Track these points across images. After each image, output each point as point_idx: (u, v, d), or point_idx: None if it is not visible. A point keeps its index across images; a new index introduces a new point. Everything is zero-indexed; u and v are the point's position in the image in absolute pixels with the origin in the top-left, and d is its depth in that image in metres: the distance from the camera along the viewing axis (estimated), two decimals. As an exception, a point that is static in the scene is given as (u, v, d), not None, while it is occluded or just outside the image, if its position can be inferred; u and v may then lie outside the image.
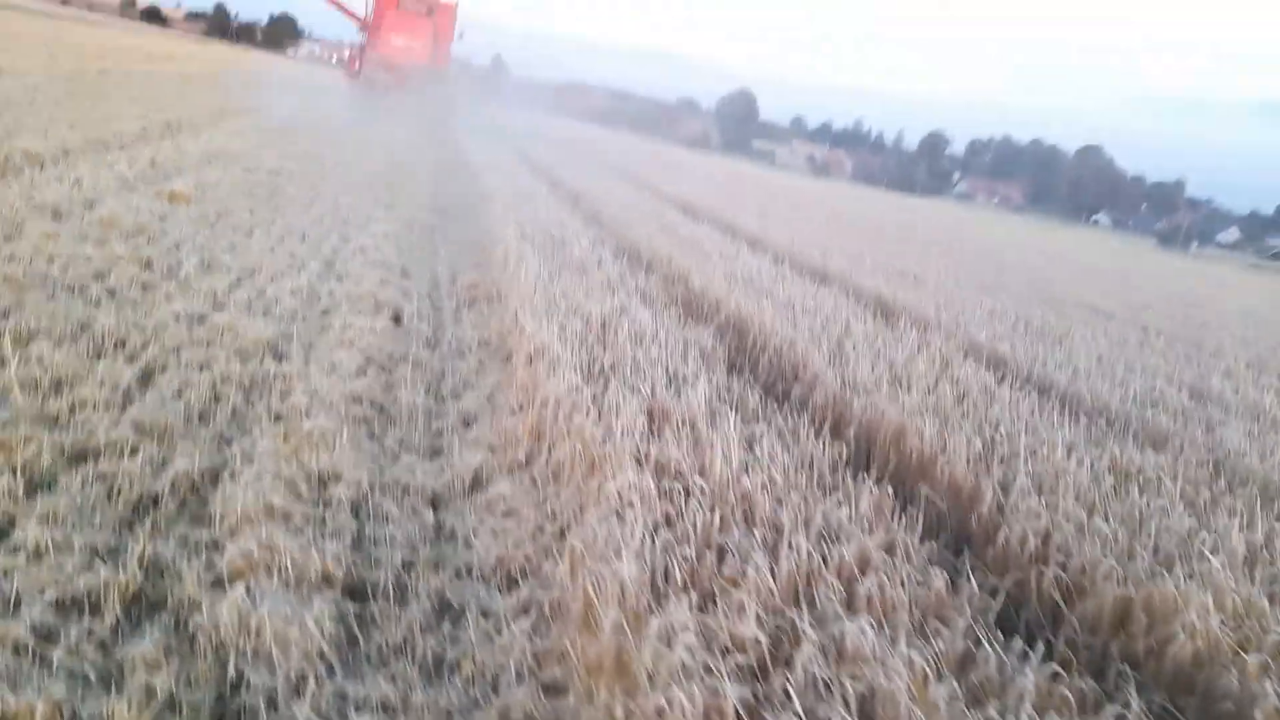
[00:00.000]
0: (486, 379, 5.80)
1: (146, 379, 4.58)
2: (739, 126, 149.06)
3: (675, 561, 3.20)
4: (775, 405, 5.46)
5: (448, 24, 26.63)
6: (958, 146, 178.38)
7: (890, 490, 4.27)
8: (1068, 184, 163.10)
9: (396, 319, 6.43)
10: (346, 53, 30.65)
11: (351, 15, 28.92)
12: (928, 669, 2.74)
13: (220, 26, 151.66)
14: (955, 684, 2.74)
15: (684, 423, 4.49)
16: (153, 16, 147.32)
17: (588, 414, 4.44)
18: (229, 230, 7.55)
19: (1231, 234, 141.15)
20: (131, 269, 6.14)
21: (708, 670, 2.68)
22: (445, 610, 3.49)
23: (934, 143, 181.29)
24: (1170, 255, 65.41)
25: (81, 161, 8.92)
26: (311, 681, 2.88)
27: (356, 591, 3.47)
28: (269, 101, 22.64)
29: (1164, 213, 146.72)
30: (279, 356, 5.22)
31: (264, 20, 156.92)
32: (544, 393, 4.83)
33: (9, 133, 9.10)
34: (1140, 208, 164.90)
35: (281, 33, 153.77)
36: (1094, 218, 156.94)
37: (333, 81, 35.16)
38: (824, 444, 4.70)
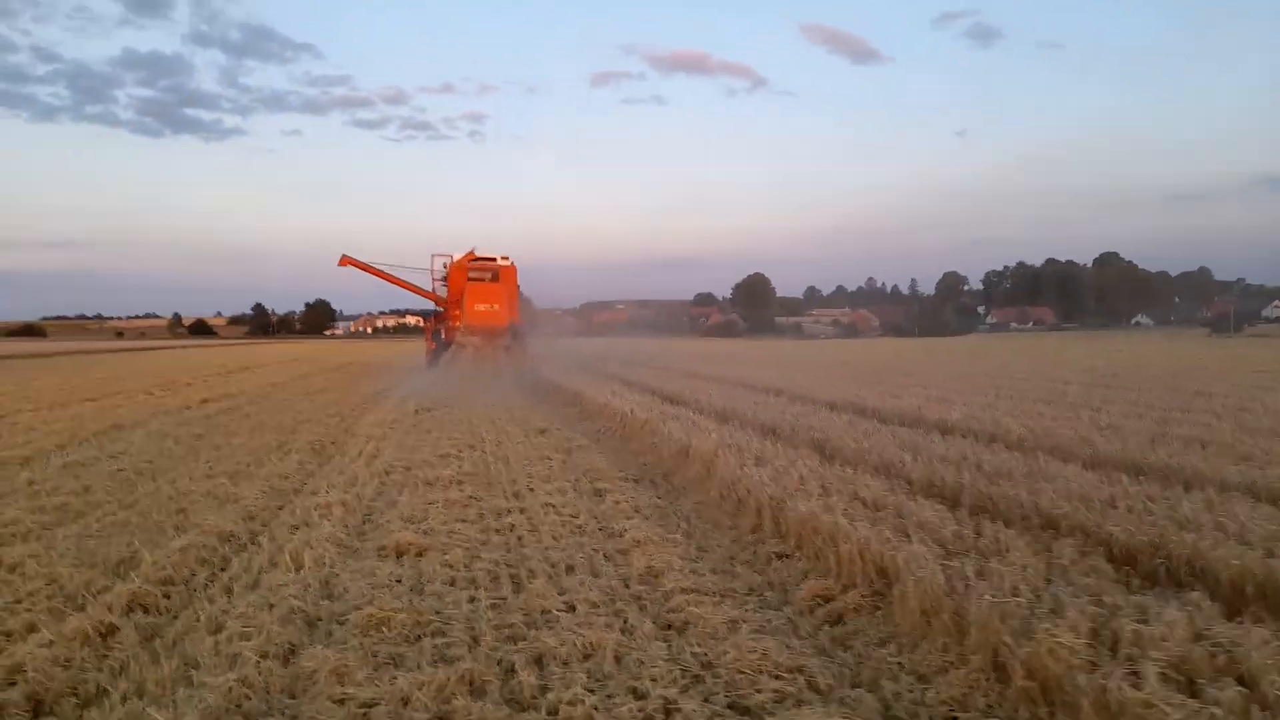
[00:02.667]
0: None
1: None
2: (758, 307, 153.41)
3: None
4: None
5: (512, 283, 28.01)
6: (974, 282, 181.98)
7: None
8: (1095, 294, 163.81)
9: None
10: (432, 328, 31.76)
11: (431, 296, 30.45)
12: None
13: (262, 324, 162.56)
14: None
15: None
16: (201, 330, 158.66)
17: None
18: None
19: (1277, 308, 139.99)
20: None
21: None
22: None
23: (951, 283, 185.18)
24: (1234, 340, 63.84)
25: (276, 526, 7.18)
26: None
27: None
28: (391, 386, 23.30)
29: (1200, 302, 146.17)
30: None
31: (299, 309, 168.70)
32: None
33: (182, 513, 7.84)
34: (1173, 301, 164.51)
35: (319, 317, 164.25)
36: (1134, 320, 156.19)
37: (416, 351, 36.27)
38: None
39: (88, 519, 7.66)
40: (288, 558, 6.14)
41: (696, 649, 4.60)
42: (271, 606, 5.13)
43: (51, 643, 4.66)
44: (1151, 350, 41.78)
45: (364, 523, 7.48)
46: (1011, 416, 11.65)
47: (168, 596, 5.52)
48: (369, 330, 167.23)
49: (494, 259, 29.31)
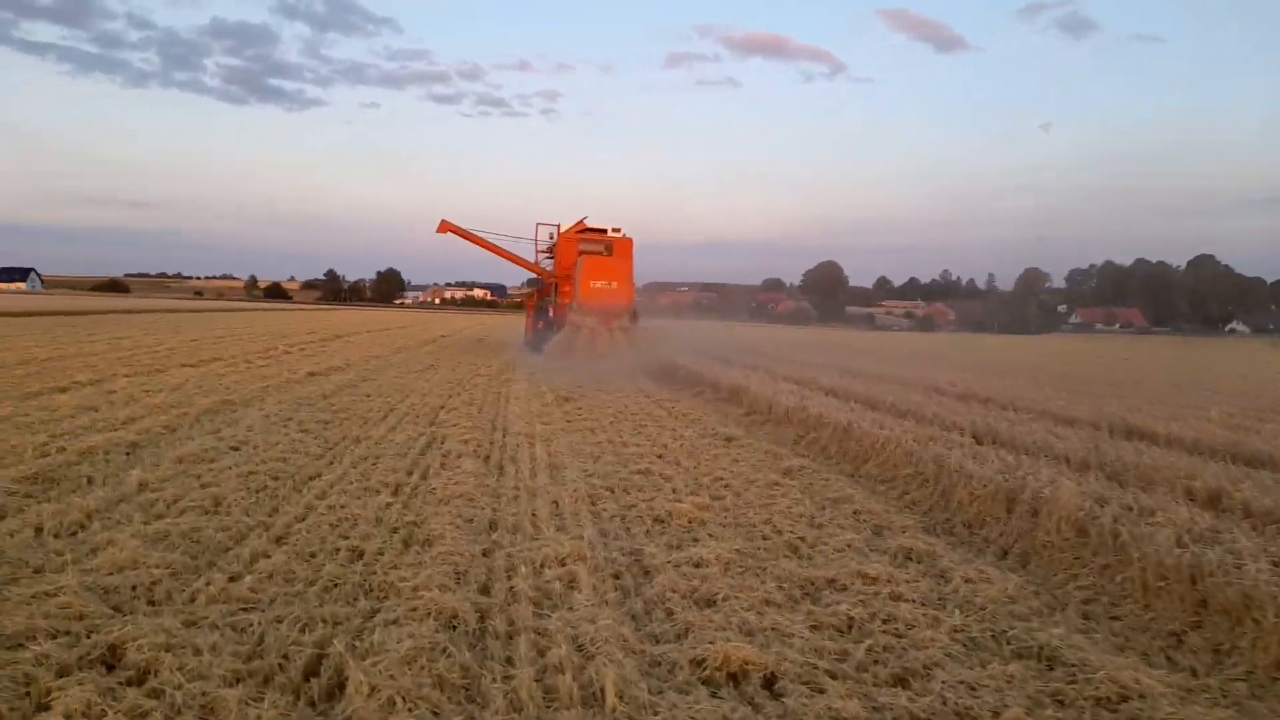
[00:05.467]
0: None
1: None
2: (828, 296, 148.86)
3: None
4: None
5: (628, 258, 25.45)
6: (1057, 280, 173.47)
7: None
8: (1188, 298, 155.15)
9: None
10: (536, 303, 29.56)
11: (534, 268, 28.17)
12: None
13: (334, 290, 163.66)
14: None
15: None
16: (276, 293, 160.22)
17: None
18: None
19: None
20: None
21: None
22: None
23: (1031, 279, 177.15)
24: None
25: (516, 606, 4.86)
26: None
27: None
28: (503, 366, 21.39)
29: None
30: None
31: (369, 276, 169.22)
32: None
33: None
34: (1269, 309, 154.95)
35: (390, 287, 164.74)
36: (1229, 327, 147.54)
37: (499, 325, 34.34)
38: None
39: (230, 564, 5.42)
40: (572, 683, 3.79)
41: None
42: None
43: None
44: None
45: (646, 609, 5.02)
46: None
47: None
48: (437, 301, 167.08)
49: (606, 230, 26.86)
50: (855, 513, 7.37)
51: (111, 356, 19.45)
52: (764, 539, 6.52)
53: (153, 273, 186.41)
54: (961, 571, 5.72)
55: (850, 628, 4.82)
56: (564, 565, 5.49)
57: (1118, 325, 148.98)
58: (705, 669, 4.13)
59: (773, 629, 4.62)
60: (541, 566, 5.50)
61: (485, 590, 5.16)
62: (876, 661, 4.37)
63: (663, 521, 6.88)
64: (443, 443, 10.05)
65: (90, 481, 7.48)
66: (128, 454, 8.79)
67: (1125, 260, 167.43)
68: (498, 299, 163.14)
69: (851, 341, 47.05)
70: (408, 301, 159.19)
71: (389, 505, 6.99)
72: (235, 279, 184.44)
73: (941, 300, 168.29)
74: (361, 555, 5.69)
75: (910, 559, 6.13)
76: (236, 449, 9.14)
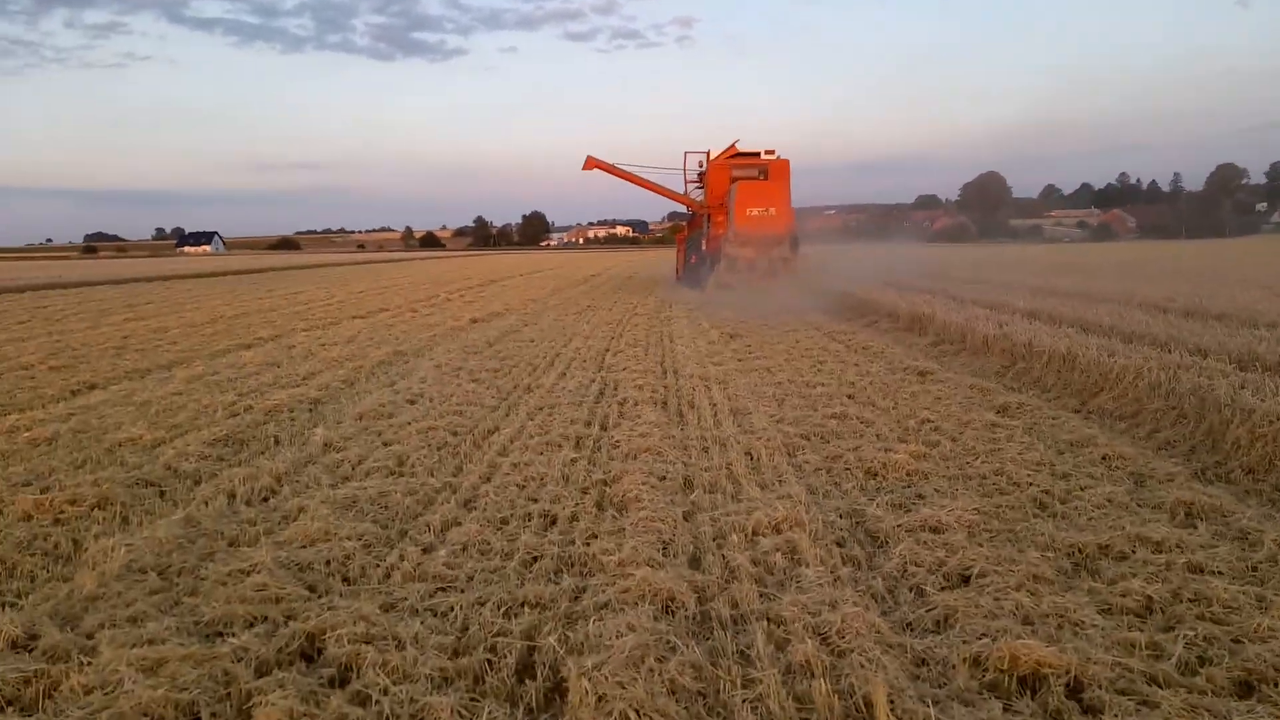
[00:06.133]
0: None
1: None
2: (990, 209, 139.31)
3: None
4: None
5: (785, 181, 24.04)
6: (1256, 176, 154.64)
7: None
8: None
9: None
10: (686, 236, 28.80)
11: (684, 200, 27.34)
12: None
13: (483, 236, 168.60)
14: None
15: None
16: (430, 242, 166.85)
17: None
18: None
19: None
20: None
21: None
22: None
23: (1225, 176, 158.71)
24: None
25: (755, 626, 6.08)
26: None
27: None
28: (659, 303, 21.07)
29: None
30: None
31: (516, 221, 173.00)
32: None
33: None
34: None
35: (535, 229, 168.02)
36: None
37: (645, 261, 33.95)
38: None
39: (421, 533, 5.07)
40: (829, 692, 3.12)
41: None
42: None
43: None
44: None
45: (889, 589, 4.20)
46: None
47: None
48: (580, 241, 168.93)
49: (759, 154, 25.48)
50: (1104, 458, 6.29)
51: (289, 311, 20.28)
52: (1001, 494, 5.61)
53: (319, 230, 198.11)
54: (1273, 534, 4.64)
55: (1150, 611, 3.91)
56: (779, 532, 4.81)
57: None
58: (987, 671, 3.36)
59: (1056, 615, 3.78)
60: (754, 534, 4.84)
61: (696, 563, 4.57)
62: (1204, 660, 3.46)
63: (876, 475, 6.07)
64: (615, 389, 9.57)
65: (277, 442, 7.44)
66: (310, 410, 8.79)
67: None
68: (640, 235, 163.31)
69: (1026, 256, 43.61)
70: (552, 243, 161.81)
71: (574, 461, 6.53)
72: (393, 230, 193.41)
73: (1120, 206, 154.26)
74: (555, 521, 5.22)
75: (1194, 516, 5.07)
76: (413, 402, 8.99)
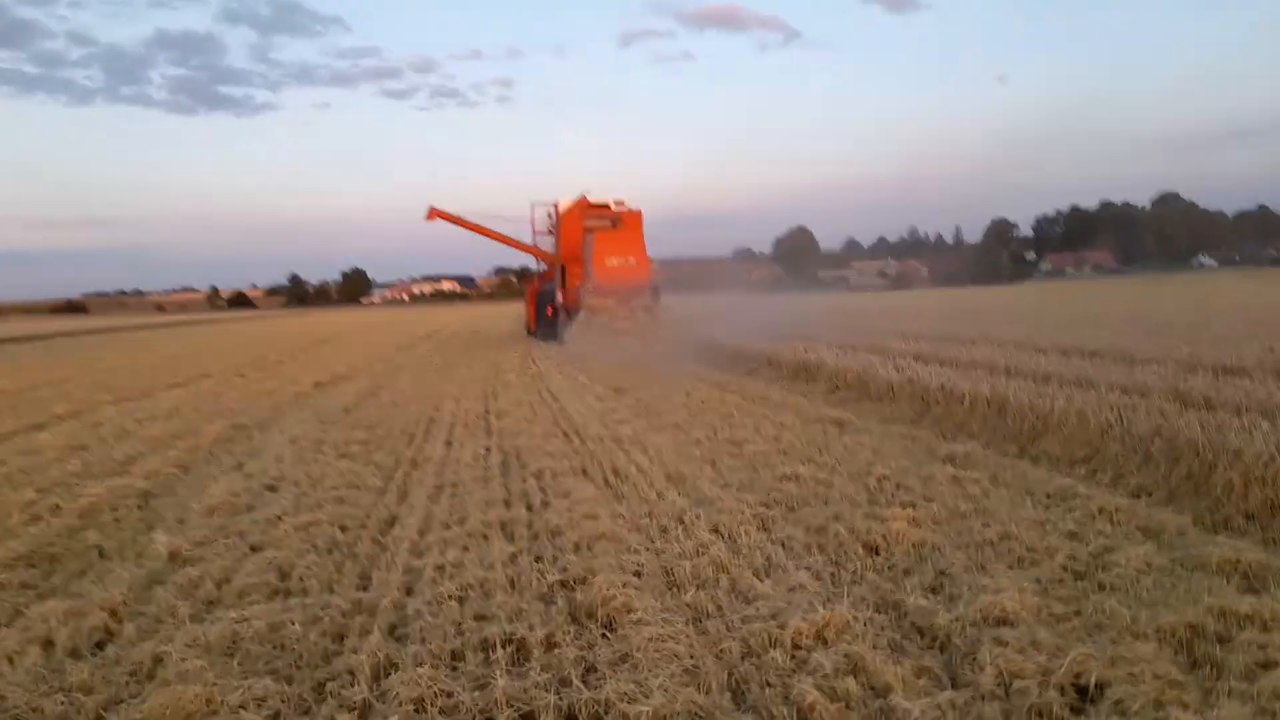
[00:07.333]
0: None
1: None
2: (801, 262, 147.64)
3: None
4: None
5: (639, 231, 23.58)
6: (1024, 228, 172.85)
7: None
8: (1153, 236, 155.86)
9: None
10: (538, 289, 27.63)
11: (534, 251, 26.18)
12: None
13: (299, 294, 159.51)
14: None
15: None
16: (241, 302, 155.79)
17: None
18: None
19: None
20: None
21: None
22: None
23: (999, 230, 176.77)
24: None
25: None
26: None
27: None
28: (522, 358, 19.55)
29: (1264, 241, 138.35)
30: None
31: (335, 278, 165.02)
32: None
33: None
34: (1234, 241, 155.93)
35: (357, 286, 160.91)
36: (1197, 260, 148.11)
37: (484, 315, 32.56)
38: None
39: (353, 690, 3.68)
40: None
41: None
42: None
43: None
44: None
45: (1003, 714, 3.37)
46: None
47: None
48: (405, 297, 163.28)
49: (609, 205, 24.95)
50: (1102, 511, 5.75)
51: (87, 381, 17.42)
52: (1034, 565, 4.87)
53: (111, 291, 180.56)
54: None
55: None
56: (827, 644, 3.81)
57: (1088, 268, 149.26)
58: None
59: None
60: (795, 647, 3.82)
61: (739, 697, 3.48)
62: None
63: (879, 550, 5.21)
64: (518, 456, 8.32)
65: (103, 555, 5.70)
66: (140, 507, 6.99)
67: (1090, 204, 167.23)
68: (469, 290, 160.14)
69: (854, 304, 45.57)
70: (375, 301, 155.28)
71: (513, 557, 5.27)
72: (197, 290, 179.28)
73: (912, 257, 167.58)
74: (527, 650, 3.97)
75: (1249, 577, 4.53)
76: (274, 488, 7.36)
